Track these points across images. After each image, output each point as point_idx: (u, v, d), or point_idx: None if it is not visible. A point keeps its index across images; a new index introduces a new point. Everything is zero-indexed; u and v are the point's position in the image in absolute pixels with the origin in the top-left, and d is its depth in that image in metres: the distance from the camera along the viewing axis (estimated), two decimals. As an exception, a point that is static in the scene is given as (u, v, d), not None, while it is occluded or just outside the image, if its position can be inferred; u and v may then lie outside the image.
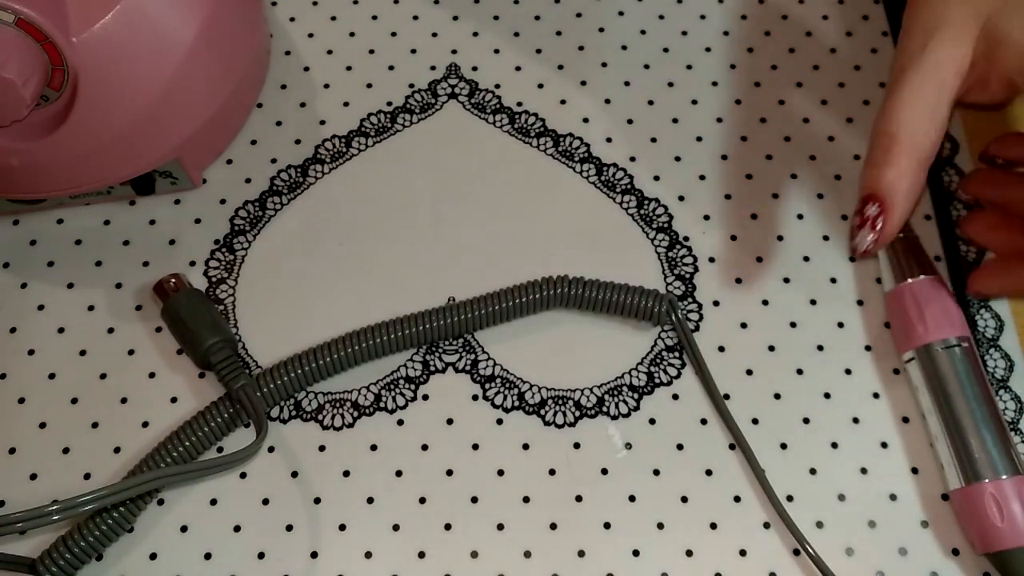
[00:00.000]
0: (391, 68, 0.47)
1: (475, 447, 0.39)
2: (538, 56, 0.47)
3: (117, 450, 0.39)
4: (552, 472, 0.39)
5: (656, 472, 0.39)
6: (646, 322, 0.41)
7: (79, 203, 0.43)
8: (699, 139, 0.45)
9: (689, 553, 0.38)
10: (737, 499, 0.39)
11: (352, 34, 0.48)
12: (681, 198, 0.44)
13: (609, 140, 0.45)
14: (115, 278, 0.42)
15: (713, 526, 0.38)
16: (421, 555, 0.38)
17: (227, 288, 0.42)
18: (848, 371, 0.41)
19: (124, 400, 0.40)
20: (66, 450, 0.39)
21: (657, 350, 0.41)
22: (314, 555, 0.38)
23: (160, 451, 0.38)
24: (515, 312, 0.41)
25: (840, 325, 0.41)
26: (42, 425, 0.40)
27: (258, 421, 0.37)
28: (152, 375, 0.41)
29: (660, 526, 0.38)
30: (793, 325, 0.41)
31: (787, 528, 0.37)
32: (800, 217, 0.43)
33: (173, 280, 0.40)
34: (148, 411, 0.40)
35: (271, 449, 0.39)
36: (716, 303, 0.42)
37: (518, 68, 0.47)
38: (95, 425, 0.40)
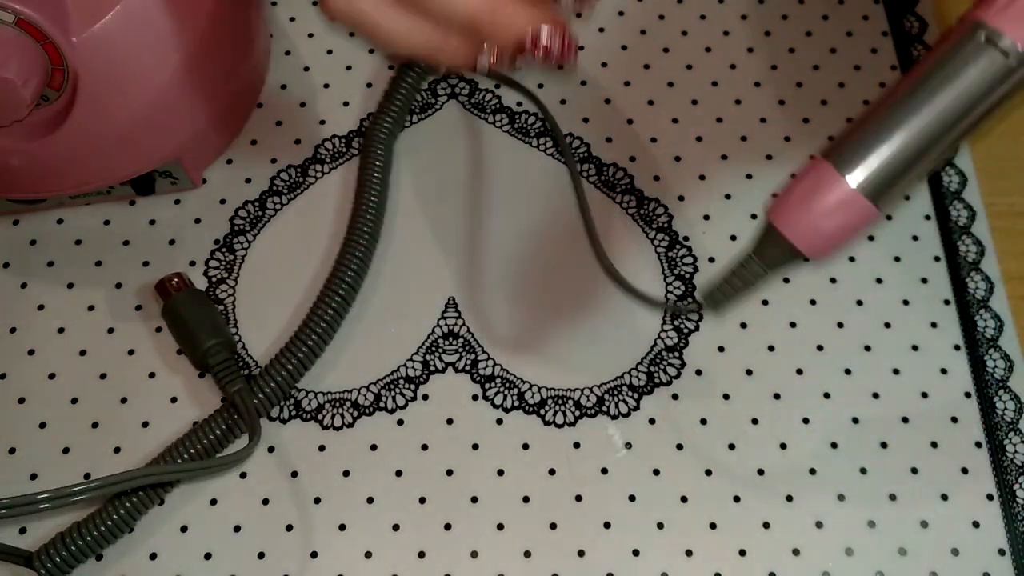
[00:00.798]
0: (391, 68, 0.47)
1: (475, 447, 0.39)
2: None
3: (117, 450, 0.39)
4: (552, 472, 0.39)
5: (656, 472, 0.39)
6: None
7: (79, 203, 0.43)
8: (699, 139, 0.45)
9: (689, 553, 0.38)
10: (737, 499, 0.39)
11: (352, 34, 0.48)
12: (681, 198, 0.44)
13: (609, 140, 0.45)
14: (115, 278, 0.42)
15: (713, 526, 0.38)
16: (421, 555, 0.38)
17: (227, 288, 0.42)
18: (848, 371, 0.41)
19: (124, 400, 0.40)
20: (66, 450, 0.39)
21: (657, 350, 0.41)
22: (314, 555, 0.38)
23: (162, 460, 0.38)
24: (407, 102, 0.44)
25: (840, 325, 0.41)
26: (42, 425, 0.40)
27: (251, 426, 0.37)
28: (152, 375, 0.41)
29: (660, 526, 0.38)
30: (793, 325, 0.41)
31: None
32: (800, 217, 0.43)
33: (175, 279, 0.40)
34: (148, 411, 0.40)
35: (271, 449, 0.39)
36: (716, 303, 0.42)
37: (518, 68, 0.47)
38: (95, 425, 0.40)
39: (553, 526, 0.38)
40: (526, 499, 0.39)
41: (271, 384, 0.39)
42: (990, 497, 0.39)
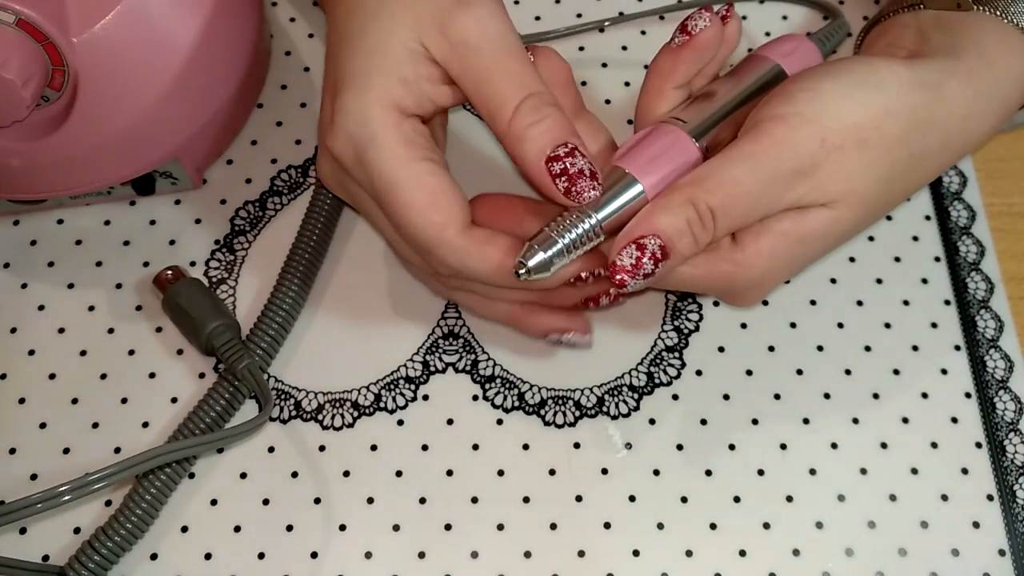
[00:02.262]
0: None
1: (475, 447, 0.39)
2: (538, 56, 0.47)
3: (117, 450, 0.39)
4: (552, 472, 0.39)
5: (656, 472, 0.39)
6: None
7: (79, 203, 0.43)
8: (699, 139, 0.45)
9: (689, 553, 0.38)
10: (737, 499, 0.39)
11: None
12: (681, 198, 0.44)
13: (609, 140, 0.45)
14: (115, 278, 0.42)
15: (713, 526, 0.38)
16: (421, 555, 0.38)
17: (227, 288, 0.42)
18: (848, 371, 0.41)
19: (124, 400, 0.40)
20: (66, 450, 0.39)
21: (657, 350, 0.41)
22: (314, 555, 0.38)
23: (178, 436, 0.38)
24: None
25: (840, 326, 0.41)
26: (42, 425, 0.40)
27: (264, 395, 0.38)
28: (152, 375, 0.41)
29: (660, 526, 0.38)
30: (793, 325, 0.41)
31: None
32: (800, 217, 0.43)
33: (170, 272, 0.40)
34: (148, 411, 0.40)
35: (271, 449, 0.39)
36: (716, 303, 0.42)
37: (518, 68, 0.47)
38: (95, 425, 0.40)
39: (553, 526, 0.38)
40: (526, 499, 0.39)
41: (262, 345, 0.40)
42: (990, 497, 0.39)
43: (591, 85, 0.46)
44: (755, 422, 0.40)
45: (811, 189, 0.34)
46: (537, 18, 0.48)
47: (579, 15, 0.48)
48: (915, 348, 0.41)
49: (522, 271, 0.34)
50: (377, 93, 0.35)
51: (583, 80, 0.46)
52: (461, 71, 0.35)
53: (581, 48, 0.47)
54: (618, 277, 0.33)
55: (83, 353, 0.41)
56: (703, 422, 0.40)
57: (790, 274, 0.37)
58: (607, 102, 0.46)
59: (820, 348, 0.41)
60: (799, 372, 0.41)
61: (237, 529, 0.38)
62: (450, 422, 0.40)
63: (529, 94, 0.35)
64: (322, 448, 0.39)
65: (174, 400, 0.40)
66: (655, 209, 0.34)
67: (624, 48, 0.47)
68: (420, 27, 0.35)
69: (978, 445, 0.39)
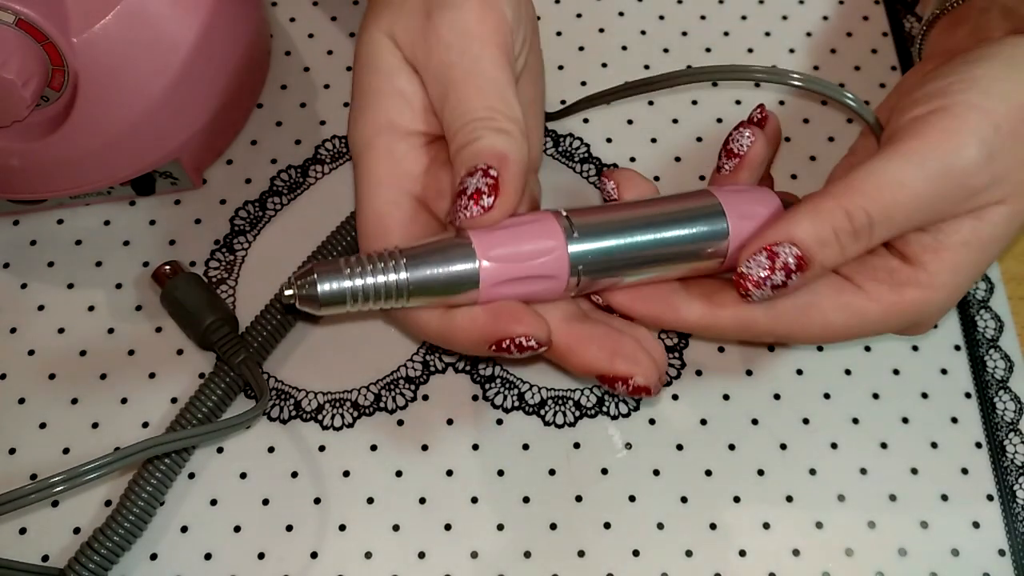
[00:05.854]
0: (391, 68, 0.47)
1: (475, 447, 0.39)
2: (538, 56, 0.47)
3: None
4: (552, 472, 0.39)
5: (656, 472, 0.39)
6: None
7: (79, 203, 0.43)
8: (699, 139, 0.45)
9: (689, 553, 0.38)
10: (737, 499, 0.39)
11: (352, 34, 0.48)
12: (681, 198, 0.44)
13: (609, 140, 0.45)
14: (115, 278, 0.42)
15: (713, 526, 0.38)
16: (421, 555, 0.38)
17: (227, 288, 0.42)
18: (848, 371, 0.41)
19: (124, 400, 0.40)
20: (66, 450, 0.39)
21: (657, 350, 0.41)
22: (314, 555, 0.38)
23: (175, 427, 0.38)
24: None
25: (840, 325, 0.41)
26: (42, 425, 0.40)
27: (260, 388, 0.38)
28: (152, 375, 0.41)
29: (660, 526, 0.38)
30: (793, 325, 0.41)
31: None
32: (800, 217, 0.43)
33: (168, 267, 0.40)
34: (148, 411, 0.40)
35: (271, 449, 0.39)
36: (716, 303, 0.42)
37: (518, 68, 0.47)
38: (95, 425, 0.40)
39: (553, 526, 0.38)
40: (526, 499, 0.39)
41: (259, 339, 0.40)
42: (990, 497, 0.39)
43: (591, 84, 0.46)
44: (755, 422, 0.40)
45: (989, 183, 0.30)
46: (537, 18, 0.48)
47: (579, 15, 0.48)
48: (915, 348, 0.41)
49: (288, 291, 0.30)
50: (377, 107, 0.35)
51: (583, 80, 0.46)
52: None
53: (581, 48, 0.47)
54: (743, 288, 0.31)
55: (83, 353, 0.41)
56: (703, 422, 0.40)
57: (968, 289, 0.33)
58: (607, 102, 0.46)
59: (820, 348, 0.41)
60: (799, 372, 0.41)
61: (237, 529, 0.38)
62: (450, 422, 0.40)
63: (475, 118, 0.32)
64: (322, 448, 0.39)
65: (174, 400, 0.40)
66: (796, 213, 0.30)
67: (624, 48, 0.47)
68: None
69: (978, 445, 0.39)
